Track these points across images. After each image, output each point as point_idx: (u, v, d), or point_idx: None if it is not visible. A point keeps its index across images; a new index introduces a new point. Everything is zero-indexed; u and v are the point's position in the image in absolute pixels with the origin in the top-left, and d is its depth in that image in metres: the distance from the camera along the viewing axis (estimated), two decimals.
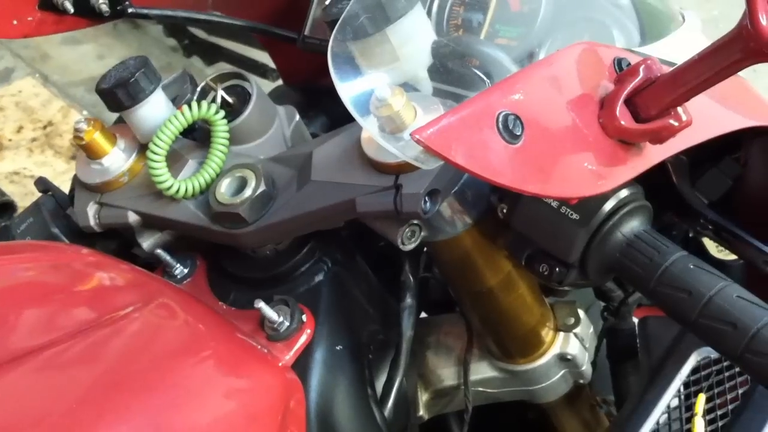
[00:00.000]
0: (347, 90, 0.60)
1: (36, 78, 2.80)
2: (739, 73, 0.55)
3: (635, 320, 0.94)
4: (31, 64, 2.86)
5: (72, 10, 0.88)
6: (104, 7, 0.89)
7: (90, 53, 2.86)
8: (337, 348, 0.75)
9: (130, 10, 0.91)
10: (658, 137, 0.56)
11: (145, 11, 0.92)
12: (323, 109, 0.97)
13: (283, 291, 0.76)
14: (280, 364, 0.70)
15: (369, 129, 0.59)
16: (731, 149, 0.79)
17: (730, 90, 0.68)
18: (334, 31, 0.64)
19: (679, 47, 0.74)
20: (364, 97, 0.59)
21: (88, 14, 0.89)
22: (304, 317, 0.73)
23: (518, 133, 0.49)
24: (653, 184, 0.71)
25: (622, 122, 0.55)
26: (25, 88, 2.76)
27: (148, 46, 2.69)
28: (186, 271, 0.80)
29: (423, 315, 0.98)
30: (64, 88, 2.77)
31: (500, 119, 0.49)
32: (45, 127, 2.59)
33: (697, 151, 0.67)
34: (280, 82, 1.20)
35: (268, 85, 1.16)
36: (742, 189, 0.79)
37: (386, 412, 0.79)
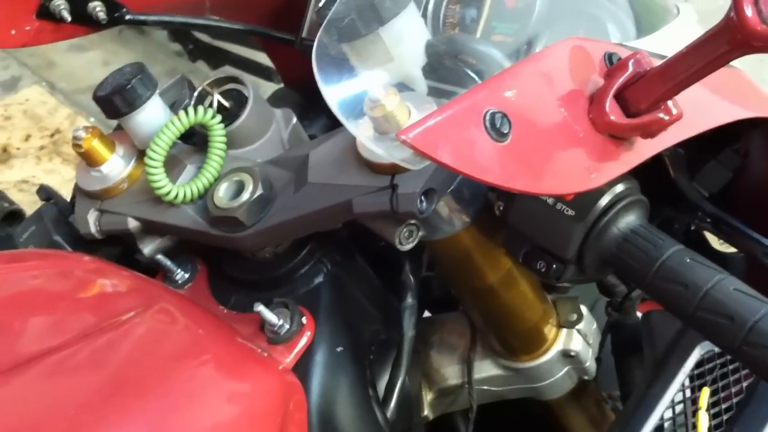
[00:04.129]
0: (333, 94, 0.60)
1: (43, 86, 2.81)
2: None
3: (639, 315, 0.94)
4: (38, 72, 2.87)
5: (69, 19, 0.88)
6: (101, 15, 0.89)
7: (96, 60, 2.86)
8: (338, 349, 0.75)
9: (127, 17, 0.91)
10: (649, 131, 0.55)
11: (143, 17, 0.92)
12: (324, 110, 0.97)
13: (283, 293, 0.76)
14: (280, 367, 0.70)
15: (353, 131, 0.59)
16: (731, 141, 0.78)
17: (725, 81, 0.68)
18: (319, 34, 0.64)
19: (673, 39, 0.73)
20: (353, 100, 0.59)
21: (85, 22, 0.90)
22: (304, 319, 0.73)
23: (506, 131, 0.49)
24: (651, 177, 0.70)
25: (612, 117, 0.55)
26: (32, 97, 2.77)
27: (153, 52, 2.69)
28: (187, 275, 0.80)
29: (426, 314, 0.98)
30: (70, 95, 2.78)
31: (487, 117, 0.48)
32: (52, 135, 2.60)
33: (697, 143, 0.67)
34: None
35: (273, 88, 1.15)
36: (742, 181, 0.79)
37: (389, 413, 0.79)
